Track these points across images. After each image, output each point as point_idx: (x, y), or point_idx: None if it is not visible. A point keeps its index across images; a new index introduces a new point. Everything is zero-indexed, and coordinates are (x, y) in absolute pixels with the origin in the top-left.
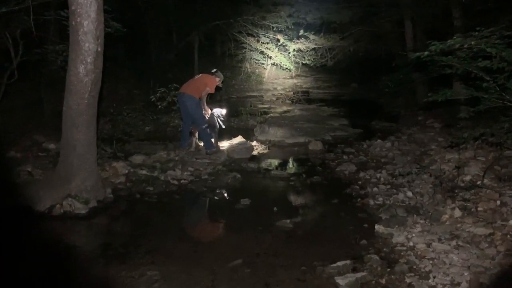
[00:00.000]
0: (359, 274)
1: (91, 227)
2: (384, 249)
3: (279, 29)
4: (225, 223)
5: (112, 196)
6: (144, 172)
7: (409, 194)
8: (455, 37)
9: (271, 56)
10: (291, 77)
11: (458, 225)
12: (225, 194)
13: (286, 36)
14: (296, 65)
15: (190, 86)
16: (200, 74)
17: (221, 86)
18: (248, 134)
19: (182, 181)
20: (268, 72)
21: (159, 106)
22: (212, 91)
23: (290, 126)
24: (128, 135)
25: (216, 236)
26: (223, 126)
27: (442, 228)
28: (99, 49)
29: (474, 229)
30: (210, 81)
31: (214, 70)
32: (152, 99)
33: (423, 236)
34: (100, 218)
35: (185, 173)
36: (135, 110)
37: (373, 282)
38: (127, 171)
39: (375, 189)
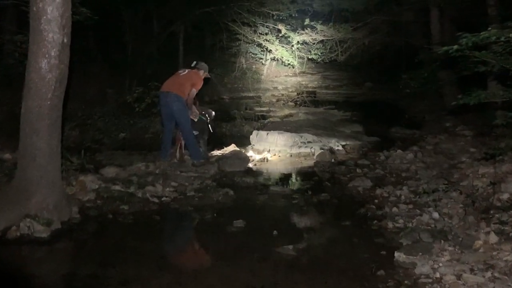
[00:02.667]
0: None
1: (54, 254)
2: (406, 282)
3: (281, 18)
4: (214, 249)
5: (79, 216)
6: (117, 187)
7: (435, 215)
8: (490, 28)
9: (270, 50)
10: (295, 75)
11: (494, 253)
12: (215, 215)
13: (288, 26)
14: (300, 60)
15: (176, 83)
16: (186, 70)
17: (209, 76)
18: (243, 143)
19: (163, 199)
20: (267, 68)
21: (137, 109)
22: (198, 88)
23: (293, 133)
24: (99, 143)
25: (203, 265)
26: (211, 131)
27: (474, 257)
28: (65, 40)
29: None
30: (197, 79)
31: (194, 63)
32: (128, 100)
33: (452, 266)
34: (65, 242)
35: (167, 189)
36: (107, 113)
37: None
38: (97, 186)
39: (394, 209)
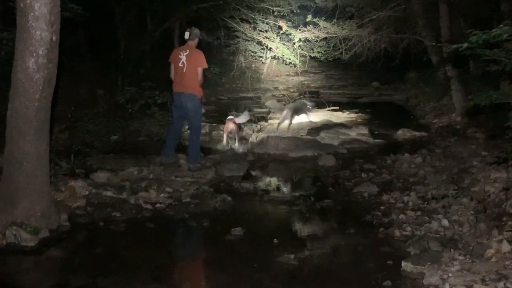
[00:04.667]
0: None
1: (42, 264)
2: None
3: (282, 14)
4: (211, 258)
5: (68, 224)
6: (109, 193)
7: (445, 222)
8: (502, 25)
9: (271, 48)
10: (296, 74)
11: (507, 263)
12: (212, 222)
13: (290, 23)
14: (302, 59)
15: (186, 82)
16: (184, 58)
17: (202, 37)
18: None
19: (157, 205)
20: (268, 67)
21: (130, 110)
22: (206, 65)
23: (295, 136)
24: (89, 147)
25: (200, 276)
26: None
27: (486, 266)
28: (53, 38)
29: None
30: (197, 57)
31: (187, 35)
32: (121, 101)
33: (463, 276)
34: (53, 252)
35: (162, 194)
36: (98, 115)
37: None
38: (87, 192)
39: (401, 216)
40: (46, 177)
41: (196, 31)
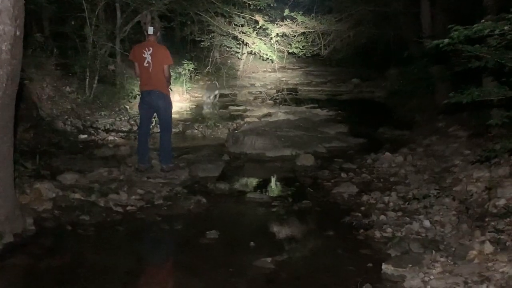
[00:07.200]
0: None
1: (5, 270)
2: None
3: (258, 8)
4: (185, 263)
5: (34, 228)
6: (77, 195)
7: (426, 223)
8: (484, 21)
9: (247, 43)
10: (274, 70)
11: (489, 264)
12: (186, 225)
13: (266, 17)
14: (280, 54)
15: (155, 79)
16: (149, 57)
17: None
18: (217, 145)
19: (128, 208)
20: (244, 63)
21: (98, 107)
22: (172, 61)
23: (272, 135)
24: (56, 147)
25: (173, 281)
26: None
27: (468, 268)
28: (17, 33)
29: (510, 269)
30: (164, 53)
31: (151, 30)
32: (89, 98)
33: (444, 278)
34: (18, 258)
35: (133, 197)
36: (65, 113)
37: None
38: (54, 195)
39: (382, 217)
40: (10, 179)
41: (156, 26)
